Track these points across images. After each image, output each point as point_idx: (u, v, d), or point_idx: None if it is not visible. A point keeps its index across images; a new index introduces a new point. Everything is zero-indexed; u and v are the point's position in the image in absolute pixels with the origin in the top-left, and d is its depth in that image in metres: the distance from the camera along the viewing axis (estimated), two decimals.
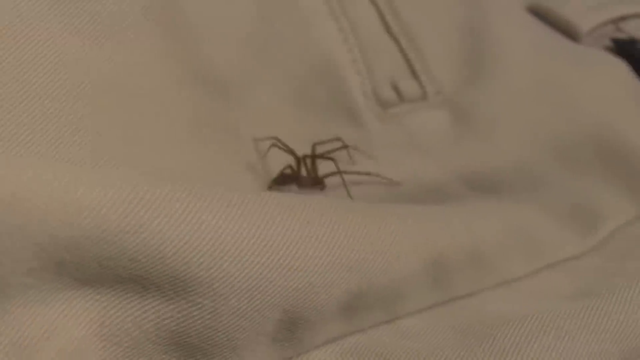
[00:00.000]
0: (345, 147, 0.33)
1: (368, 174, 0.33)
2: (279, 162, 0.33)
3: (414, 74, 0.37)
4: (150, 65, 0.33)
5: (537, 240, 0.35)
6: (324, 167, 0.33)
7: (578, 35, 0.45)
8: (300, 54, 0.36)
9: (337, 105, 0.35)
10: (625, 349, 0.30)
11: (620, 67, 0.42)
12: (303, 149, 0.34)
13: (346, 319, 0.29)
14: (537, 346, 0.29)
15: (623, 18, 0.48)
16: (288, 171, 0.33)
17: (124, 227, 0.23)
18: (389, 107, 0.36)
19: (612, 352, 0.30)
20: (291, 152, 0.33)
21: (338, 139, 0.34)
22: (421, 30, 0.38)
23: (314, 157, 0.33)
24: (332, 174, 0.33)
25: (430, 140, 0.36)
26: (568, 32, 0.45)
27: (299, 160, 0.33)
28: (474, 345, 0.29)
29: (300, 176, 0.33)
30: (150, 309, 0.24)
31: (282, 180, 0.33)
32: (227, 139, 0.33)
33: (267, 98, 0.35)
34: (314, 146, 0.34)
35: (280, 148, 0.33)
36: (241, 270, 0.25)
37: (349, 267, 0.28)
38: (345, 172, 0.33)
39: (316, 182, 0.33)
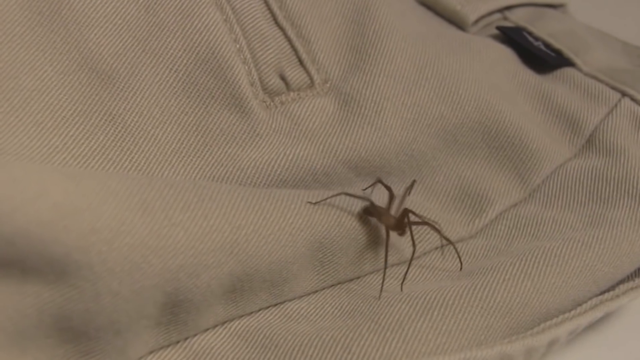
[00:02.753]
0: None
1: (450, 242, 0.35)
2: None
3: (300, 62, 0.38)
4: (33, 58, 0.34)
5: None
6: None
7: (465, 24, 0.47)
8: (185, 44, 0.36)
9: (223, 94, 0.36)
10: (510, 323, 0.32)
11: (504, 54, 0.44)
12: (189, 138, 0.35)
13: (233, 302, 0.30)
14: (422, 323, 0.31)
15: (509, 7, 0.50)
16: (379, 206, 0.34)
17: None
18: (275, 95, 0.37)
19: (498, 326, 0.31)
20: (389, 190, 0.35)
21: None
22: (307, 19, 0.39)
23: (406, 212, 0.34)
24: (415, 223, 0.34)
25: (316, 128, 0.37)
26: (456, 21, 0.47)
27: (391, 198, 0.34)
28: (360, 325, 0.30)
29: (387, 214, 0.33)
30: (31, 294, 0.25)
31: (369, 212, 0.34)
32: (114, 129, 0.34)
33: (153, 87, 0.35)
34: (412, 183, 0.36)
35: (382, 184, 0.35)
36: (118, 252, 0.26)
37: (230, 250, 0.29)
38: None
39: (398, 226, 0.33)
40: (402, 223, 0.33)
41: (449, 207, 0.39)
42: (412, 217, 0.34)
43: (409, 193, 0.35)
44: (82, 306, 0.25)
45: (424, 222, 0.34)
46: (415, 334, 0.30)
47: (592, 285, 0.34)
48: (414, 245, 0.32)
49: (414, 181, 0.36)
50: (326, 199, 0.33)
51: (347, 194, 0.34)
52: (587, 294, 0.34)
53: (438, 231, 0.34)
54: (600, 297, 0.34)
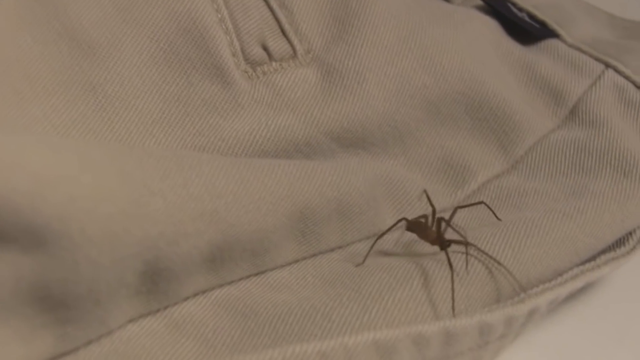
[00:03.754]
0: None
1: (498, 262, 0.34)
2: None
3: (283, 33, 0.38)
4: (13, 28, 0.34)
5: (406, 193, 0.37)
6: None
7: None
8: (167, 13, 0.36)
9: (204, 64, 0.36)
10: (490, 293, 0.32)
11: (488, 25, 0.44)
12: (171, 108, 0.35)
13: (213, 272, 0.31)
14: (402, 292, 0.31)
15: None
16: (422, 220, 0.33)
17: None
18: (258, 65, 0.37)
19: (478, 296, 0.32)
20: (432, 205, 0.35)
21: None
22: None
23: (439, 222, 0.33)
24: (456, 241, 0.33)
25: (298, 98, 0.37)
26: None
27: (434, 215, 0.34)
28: (341, 294, 0.31)
29: (428, 229, 0.33)
30: (9, 263, 0.25)
31: (412, 227, 0.33)
32: (94, 99, 0.34)
33: (134, 57, 0.35)
34: (455, 210, 0.35)
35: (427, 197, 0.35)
36: (97, 221, 0.26)
37: (210, 219, 0.29)
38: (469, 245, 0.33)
39: (441, 243, 0.33)
40: (443, 241, 0.33)
41: (432, 178, 0.39)
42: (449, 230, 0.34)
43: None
44: (61, 275, 0.25)
45: (460, 241, 0.33)
46: (395, 302, 0.30)
47: (573, 255, 0.35)
48: (451, 267, 0.31)
49: (456, 208, 0.35)
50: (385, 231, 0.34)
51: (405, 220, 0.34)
52: (568, 264, 0.34)
53: (474, 246, 0.33)
54: (581, 267, 0.35)
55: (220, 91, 0.35)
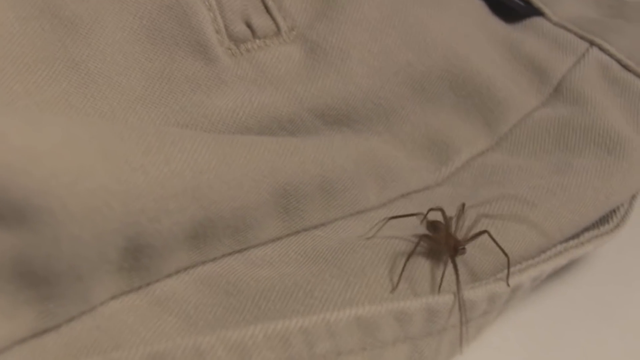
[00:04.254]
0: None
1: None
2: None
3: (267, 9, 0.38)
4: None
5: (390, 170, 0.37)
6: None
7: None
8: None
9: (187, 41, 0.35)
10: (473, 270, 0.33)
11: (473, 2, 0.44)
12: (154, 85, 0.34)
13: (196, 248, 0.31)
14: (384, 269, 0.31)
15: None
16: (439, 223, 0.33)
17: None
18: (241, 42, 0.37)
19: (461, 272, 0.32)
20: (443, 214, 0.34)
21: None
22: None
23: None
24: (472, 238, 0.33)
25: (282, 75, 0.36)
26: None
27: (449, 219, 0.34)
28: (323, 270, 0.31)
29: (445, 233, 0.33)
30: None
31: (430, 226, 0.33)
32: (77, 75, 0.33)
33: (117, 34, 0.35)
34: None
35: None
36: (78, 196, 0.26)
37: (192, 195, 0.29)
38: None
39: (456, 247, 0.32)
40: (459, 243, 0.32)
41: (417, 155, 0.39)
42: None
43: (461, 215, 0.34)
44: (42, 251, 0.25)
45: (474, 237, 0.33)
46: (377, 279, 0.30)
47: (556, 232, 0.35)
48: (456, 273, 0.31)
49: (463, 204, 0.35)
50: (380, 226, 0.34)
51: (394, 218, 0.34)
52: (552, 241, 0.35)
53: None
54: (564, 244, 0.35)
55: (204, 68, 0.35)
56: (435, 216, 0.34)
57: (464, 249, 0.31)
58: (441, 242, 0.32)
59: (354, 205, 0.36)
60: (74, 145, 0.26)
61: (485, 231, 0.32)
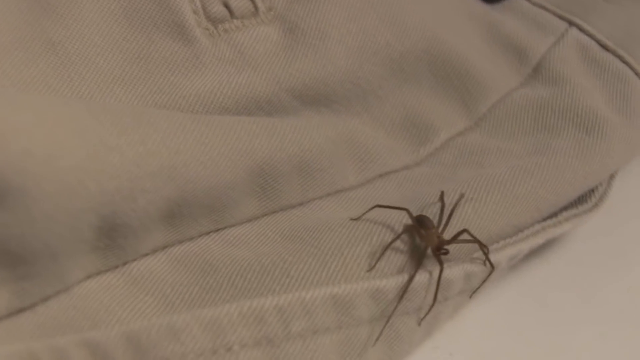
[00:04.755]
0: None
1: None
2: None
3: None
4: None
5: (368, 151, 0.37)
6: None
7: None
8: None
9: (166, 22, 0.35)
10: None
11: None
12: (132, 65, 0.34)
13: (172, 227, 0.31)
14: (361, 248, 0.31)
15: None
16: (426, 218, 0.32)
17: None
18: (219, 23, 0.37)
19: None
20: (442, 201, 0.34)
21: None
22: None
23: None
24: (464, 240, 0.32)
25: (260, 56, 0.36)
26: None
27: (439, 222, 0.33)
28: (300, 249, 0.31)
29: (430, 233, 0.32)
30: None
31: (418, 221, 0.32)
32: (55, 56, 0.33)
33: (95, 14, 0.35)
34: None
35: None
36: (52, 175, 0.26)
37: (168, 175, 0.29)
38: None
39: (439, 248, 0.31)
40: (444, 242, 0.32)
41: (395, 136, 0.39)
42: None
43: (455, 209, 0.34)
44: (17, 230, 0.25)
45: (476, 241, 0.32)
46: (354, 258, 0.31)
47: (534, 211, 0.35)
48: (440, 264, 0.31)
49: (462, 194, 0.34)
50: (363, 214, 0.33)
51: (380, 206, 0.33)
52: (529, 220, 0.35)
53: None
54: (542, 224, 0.35)
55: (182, 49, 0.35)
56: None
57: (446, 250, 0.31)
58: (426, 239, 0.32)
59: (332, 185, 0.36)
60: (49, 124, 0.26)
61: (465, 230, 0.32)
